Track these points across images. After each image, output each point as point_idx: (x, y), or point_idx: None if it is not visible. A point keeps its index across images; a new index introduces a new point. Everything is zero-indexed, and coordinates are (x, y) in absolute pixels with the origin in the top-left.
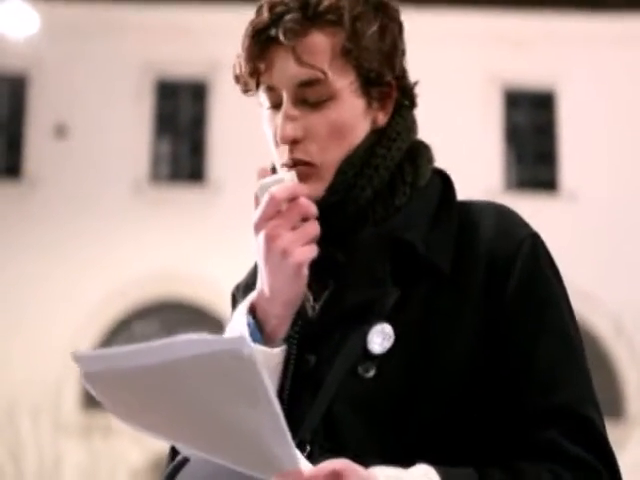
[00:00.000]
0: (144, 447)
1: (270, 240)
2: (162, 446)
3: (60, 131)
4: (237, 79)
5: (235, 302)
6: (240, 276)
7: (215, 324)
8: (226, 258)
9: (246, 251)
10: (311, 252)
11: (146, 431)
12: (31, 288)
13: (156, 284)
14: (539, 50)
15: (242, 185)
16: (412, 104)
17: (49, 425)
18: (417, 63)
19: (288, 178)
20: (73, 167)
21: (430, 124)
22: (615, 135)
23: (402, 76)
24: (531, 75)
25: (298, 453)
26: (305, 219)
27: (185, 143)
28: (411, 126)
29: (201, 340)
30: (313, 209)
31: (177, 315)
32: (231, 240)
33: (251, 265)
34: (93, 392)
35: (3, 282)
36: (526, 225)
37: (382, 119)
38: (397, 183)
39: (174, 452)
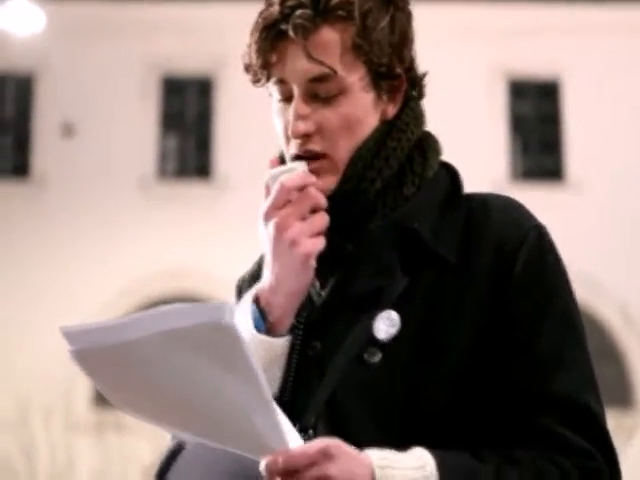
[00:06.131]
0: (156, 444)
1: (280, 230)
2: None
3: (67, 130)
4: (247, 69)
5: (240, 294)
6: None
7: None
8: (233, 253)
9: (253, 246)
10: (319, 244)
11: (135, 413)
12: (40, 287)
13: (164, 280)
14: (544, 40)
15: (249, 180)
16: (420, 95)
17: (61, 424)
18: (422, 54)
19: (298, 168)
20: (80, 165)
21: (436, 115)
22: (620, 123)
23: (411, 67)
24: (536, 65)
25: (288, 431)
26: (314, 210)
27: (192, 139)
28: (419, 117)
29: (179, 311)
30: (322, 200)
31: None
32: (238, 235)
33: (257, 258)
34: (83, 370)
35: (12, 282)
36: (532, 216)
37: (392, 111)
38: (406, 173)
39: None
